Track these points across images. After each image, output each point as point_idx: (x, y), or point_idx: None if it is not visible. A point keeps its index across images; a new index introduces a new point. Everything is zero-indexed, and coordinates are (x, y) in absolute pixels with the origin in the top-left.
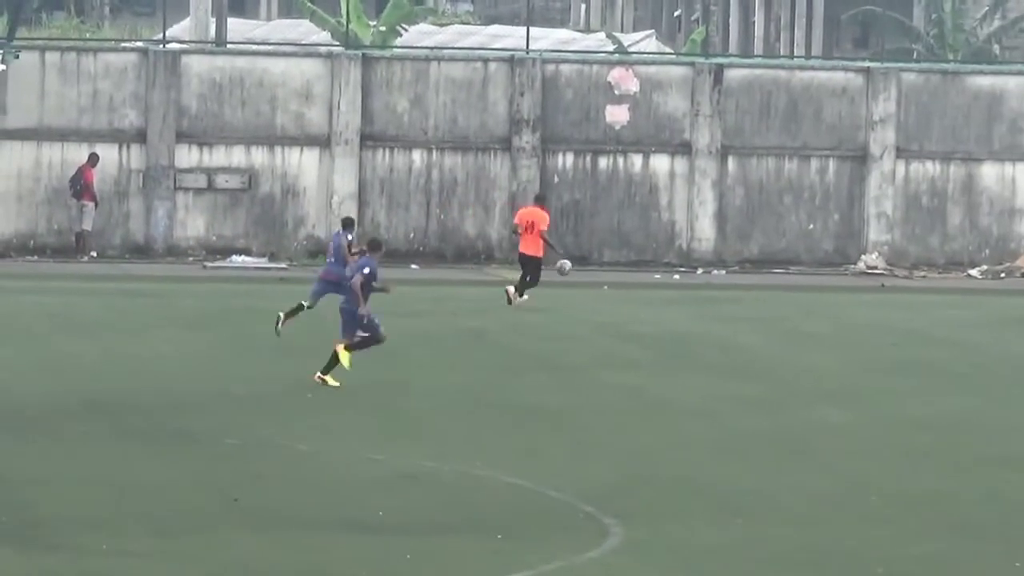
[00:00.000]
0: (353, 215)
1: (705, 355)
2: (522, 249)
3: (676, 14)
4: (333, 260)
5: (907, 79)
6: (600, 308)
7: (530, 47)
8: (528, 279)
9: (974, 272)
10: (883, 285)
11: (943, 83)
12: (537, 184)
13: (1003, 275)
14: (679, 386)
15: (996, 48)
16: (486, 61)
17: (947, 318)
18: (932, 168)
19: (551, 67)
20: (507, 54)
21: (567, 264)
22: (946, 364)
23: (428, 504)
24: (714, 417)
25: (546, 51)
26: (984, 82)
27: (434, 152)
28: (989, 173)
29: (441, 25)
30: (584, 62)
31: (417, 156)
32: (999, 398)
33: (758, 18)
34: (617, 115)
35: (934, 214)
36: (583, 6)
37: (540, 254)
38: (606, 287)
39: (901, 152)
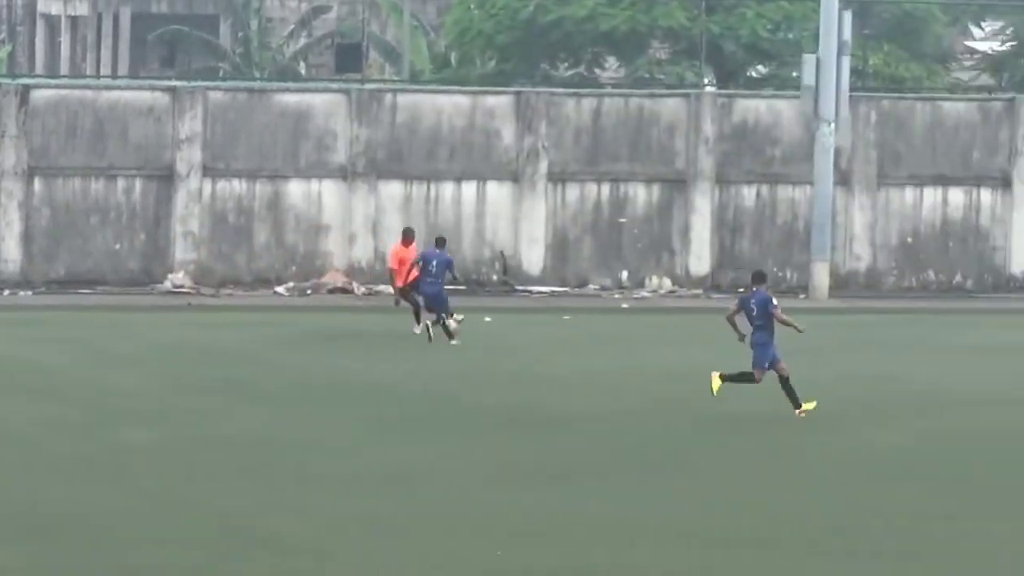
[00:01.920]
0: None
1: (14, 377)
2: None
3: None
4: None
5: (214, 97)
6: None
7: None
8: None
9: (280, 289)
10: (189, 304)
11: (249, 101)
12: None
13: (309, 292)
14: None
15: (302, 66)
16: None
17: (255, 336)
18: (239, 186)
19: None
20: None
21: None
22: (253, 382)
23: None
24: (24, 440)
25: None
26: (291, 99)
27: None
28: (295, 191)
29: None
30: None
31: None
32: (305, 413)
33: (64, 39)
34: None
35: (241, 232)
36: None
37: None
38: None
39: (208, 170)
